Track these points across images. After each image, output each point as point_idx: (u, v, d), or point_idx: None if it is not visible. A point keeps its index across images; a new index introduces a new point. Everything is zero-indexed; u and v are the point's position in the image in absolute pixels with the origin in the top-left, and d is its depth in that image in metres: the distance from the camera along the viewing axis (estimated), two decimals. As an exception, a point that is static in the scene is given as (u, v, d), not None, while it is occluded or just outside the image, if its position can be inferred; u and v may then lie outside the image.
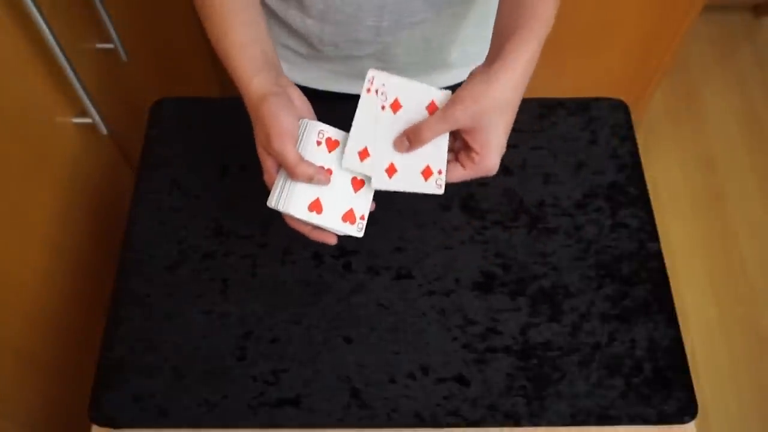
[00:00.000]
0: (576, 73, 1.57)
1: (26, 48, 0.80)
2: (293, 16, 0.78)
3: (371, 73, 0.62)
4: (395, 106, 0.63)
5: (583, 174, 0.86)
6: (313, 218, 0.63)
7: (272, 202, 0.63)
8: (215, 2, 0.64)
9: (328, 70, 0.87)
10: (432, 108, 0.63)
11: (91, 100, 0.88)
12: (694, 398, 0.73)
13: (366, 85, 0.63)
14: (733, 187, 1.84)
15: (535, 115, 0.90)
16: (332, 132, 0.64)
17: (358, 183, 0.64)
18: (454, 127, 0.60)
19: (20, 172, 0.82)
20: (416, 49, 0.82)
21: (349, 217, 0.64)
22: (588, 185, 0.86)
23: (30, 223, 0.85)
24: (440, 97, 0.63)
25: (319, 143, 0.63)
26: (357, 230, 0.64)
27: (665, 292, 0.79)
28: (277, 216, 0.82)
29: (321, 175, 0.61)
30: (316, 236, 0.66)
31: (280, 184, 0.62)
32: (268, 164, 0.63)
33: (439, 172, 0.63)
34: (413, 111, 0.63)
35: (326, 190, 0.63)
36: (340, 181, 0.64)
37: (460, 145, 0.63)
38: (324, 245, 0.81)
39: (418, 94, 0.63)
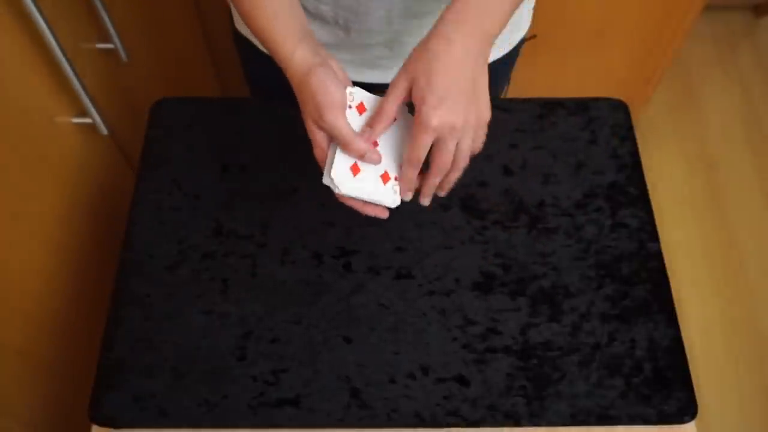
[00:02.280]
0: (576, 73, 1.57)
1: (26, 48, 0.80)
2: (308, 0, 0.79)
3: (349, 89, 0.63)
4: (360, 108, 0.63)
5: (583, 174, 0.86)
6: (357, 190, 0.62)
7: (327, 180, 0.62)
8: None
9: (337, 59, 0.87)
10: None
11: (91, 100, 0.88)
12: (694, 398, 0.73)
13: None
14: (733, 187, 1.83)
15: (535, 115, 0.90)
16: (362, 96, 0.63)
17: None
18: (400, 87, 0.60)
19: (20, 172, 0.82)
20: None
21: (385, 178, 0.64)
22: (588, 185, 0.86)
23: (30, 223, 0.85)
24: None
25: (350, 107, 0.62)
26: (393, 192, 0.64)
27: (665, 292, 0.79)
28: (277, 216, 0.83)
29: (374, 154, 0.60)
30: (368, 211, 0.65)
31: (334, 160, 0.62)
32: (318, 138, 0.62)
33: (396, 179, 0.63)
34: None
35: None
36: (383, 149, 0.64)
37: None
38: (324, 244, 0.81)
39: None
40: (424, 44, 0.60)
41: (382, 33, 0.80)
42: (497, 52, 0.90)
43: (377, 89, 0.93)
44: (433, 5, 0.77)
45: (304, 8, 0.81)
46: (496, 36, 0.62)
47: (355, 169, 0.62)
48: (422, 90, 0.58)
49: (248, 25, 0.66)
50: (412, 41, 0.82)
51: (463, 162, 0.62)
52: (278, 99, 0.88)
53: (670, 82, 1.96)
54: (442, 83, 0.58)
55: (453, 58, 0.59)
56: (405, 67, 0.61)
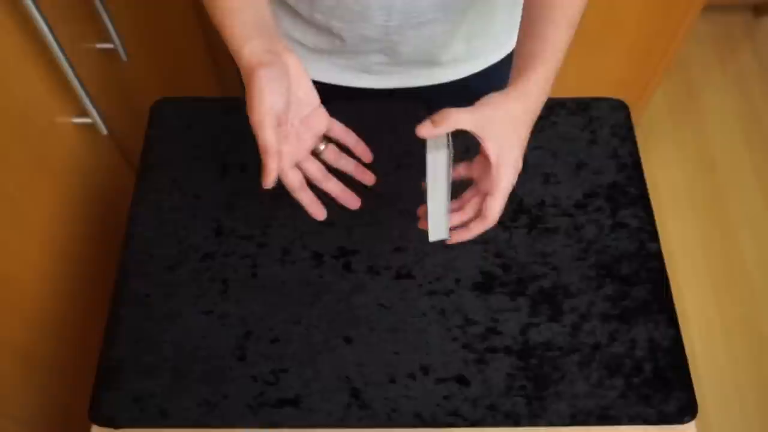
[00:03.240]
0: (576, 73, 1.57)
1: (26, 48, 0.80)
2: (302, 8, 0.78)
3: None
4: None
5: (583, 174, 0.86)
6: None
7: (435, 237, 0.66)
8: None
9: (332, 63, 0.87)
10: None
11: (91, 100, 0.88)
12: (694, 398, 0.73)
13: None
14: (733, 187, 1.84)
15: (535, 115, 0.90)
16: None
17: None
18: (464, 122, 0.61)
19: (20, 172, 0.82)
20: (423, 47, 0.82)
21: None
22: (588, 185, 0.86)
23: (30, 223, 0.85)
24: None
25: None
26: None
27: (665, 292, 0.79)
28: (277, 216, 0.83)
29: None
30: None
31: None
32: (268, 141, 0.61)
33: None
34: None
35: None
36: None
37: (478, 172, 0.65)
38: (324, 244, 0.81)
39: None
40: (501, 106, 0.62)
41: (378, 41, 0.80)
42: (498, 53, 0.90)
43: (375, 94, 0.93)
44: (431, 15, 0.76)
45: (299, 15, 0.80)
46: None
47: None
48: (500, 144, 0.61)
49: (211, 20, 0.64)
50: (409, 50, 0.82)
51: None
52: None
53: (670, 82, 1.96)
54: (519, 146, 0.63)
55: (525, 123, 0.63)
56: (482, 103, 0.62)
